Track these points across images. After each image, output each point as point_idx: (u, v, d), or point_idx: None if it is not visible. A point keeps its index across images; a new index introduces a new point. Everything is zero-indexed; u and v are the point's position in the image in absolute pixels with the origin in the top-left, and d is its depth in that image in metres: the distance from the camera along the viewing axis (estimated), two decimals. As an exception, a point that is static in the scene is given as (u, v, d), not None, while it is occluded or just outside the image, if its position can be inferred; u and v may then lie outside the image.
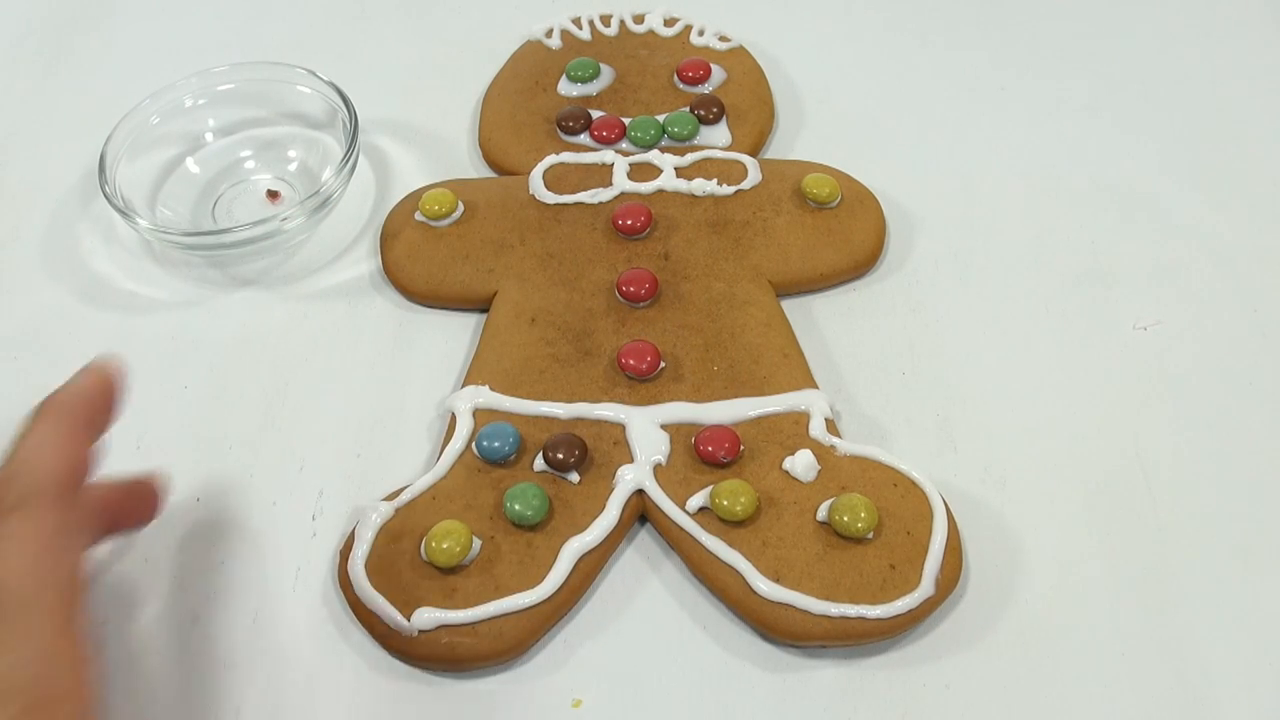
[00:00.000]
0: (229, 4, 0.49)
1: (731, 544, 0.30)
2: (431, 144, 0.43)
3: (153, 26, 0.48)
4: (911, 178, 0.41)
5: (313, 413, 0.35)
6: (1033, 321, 0.36)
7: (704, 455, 0.32)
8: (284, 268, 0.39)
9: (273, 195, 0.40)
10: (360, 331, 0.37)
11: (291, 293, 0.38)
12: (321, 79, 0.40)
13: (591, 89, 0.42)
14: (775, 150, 0.42)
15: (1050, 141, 0.42)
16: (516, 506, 0.31)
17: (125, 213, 0.37)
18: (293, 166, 0.41)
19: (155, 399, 0.35)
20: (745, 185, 0.38)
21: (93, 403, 0.27)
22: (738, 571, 0.30)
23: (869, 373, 0.35)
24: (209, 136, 0.42)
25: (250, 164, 0.41)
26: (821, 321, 0.37)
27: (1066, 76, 0.44)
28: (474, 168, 0.42)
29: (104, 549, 0.31)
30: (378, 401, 0.35)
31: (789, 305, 0.37)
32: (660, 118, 0.41)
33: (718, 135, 0.41)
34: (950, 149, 0.42)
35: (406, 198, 0.39)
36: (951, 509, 0.31)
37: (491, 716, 0.29)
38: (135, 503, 0.30)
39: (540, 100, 0.42)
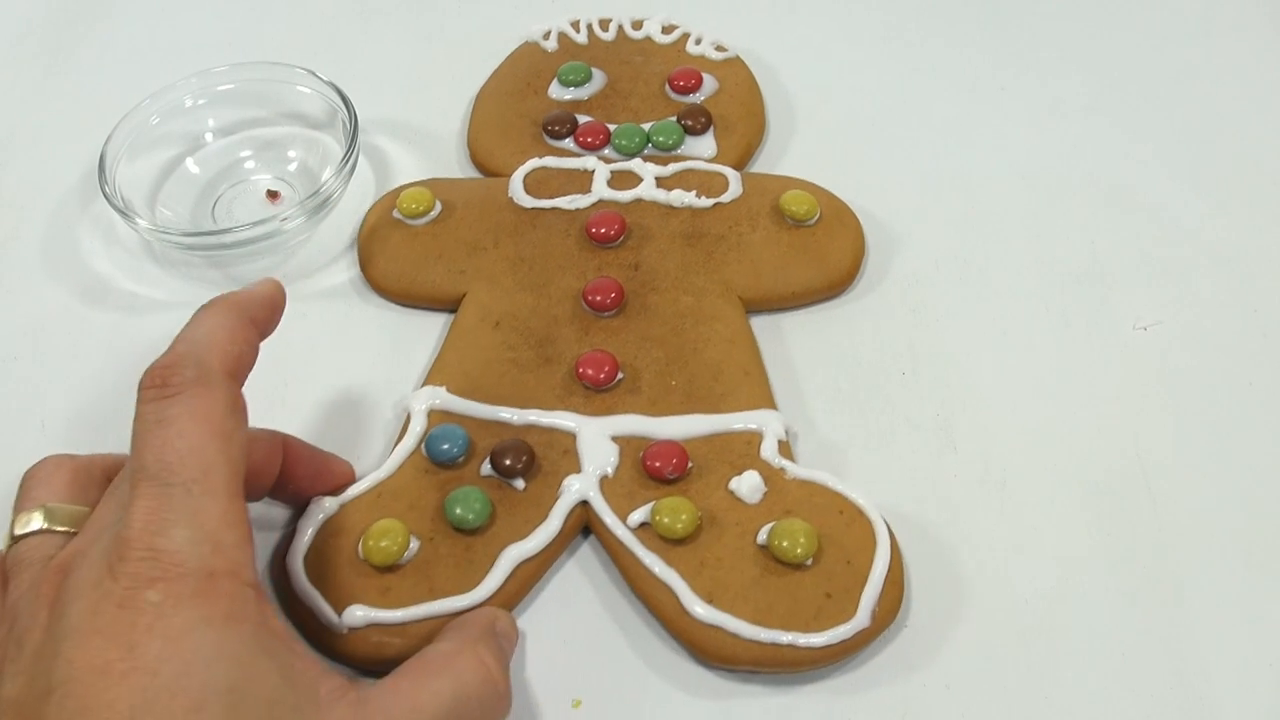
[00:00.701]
0: (229, 4, 0.49)
1: (669, 562, 0.30)
2: (430, 144, 0.43)
3: (153, 26, 0.48)
4: (906, 190, 0.40)
5: (312, 412, 0.35)
6: (1033, 321, 0.36)
7: (651, 470, 0.32)
8: (284, 268, 0.39)
9: (273, 195, 0.40)
10: (360, 331, 0.37)
11: (291, 293, 0.37)
12: (321, 79, 0.41)
13: (582, 93, 0.42)
14: (763, 162, 0.41)
15: (1050, 142, 0.42)
16: (458, 510, 0.31)
17: (125, 213, 0.38)
18: (293, 167, 0.41)
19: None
20: (724, 198, 0.38)
21: (262, 304, 0.28)
22: (672, 590, 0.29)
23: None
24: (209, 136, 0.42)
25: (250, 164, 0.42)
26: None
27: (1066, 77, 0.44)
28: (461, 168, 0.42)
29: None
30: (377, 401, 0.35)
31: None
32: (646, 126, 0.40)
33: (703, 146, 0.40)
34: (949, 156, 0.41)
35: (385, 195, 0.40)
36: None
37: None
38: (319, 471, 0.31)
39: (530, 103, 0.42)
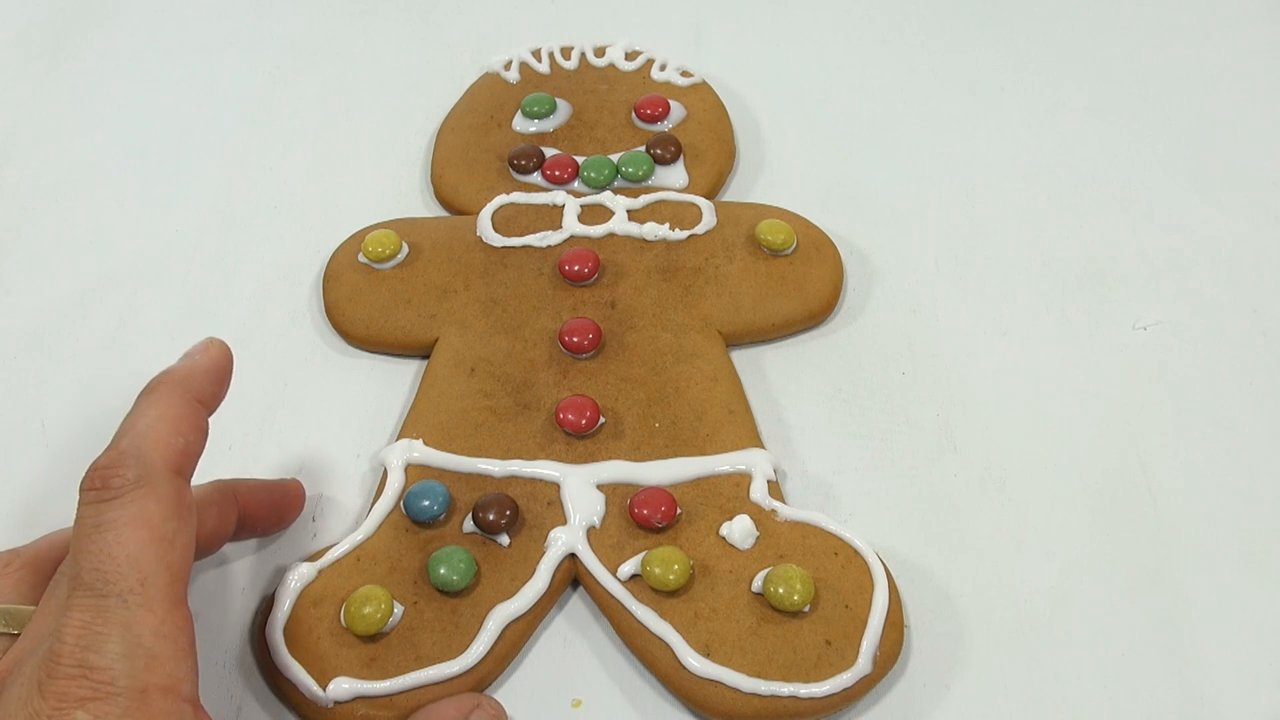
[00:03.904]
0: (229, 4, 0.48)
1: (663, 615, 0.29)
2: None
3: (153, 26, 0.48)
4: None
5: (313, 413, 0.35)
6: (1033, 321, 0.36)
7: (639, 519, 0.31)
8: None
9: None
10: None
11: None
12: None
13: (547, 125, 0.41)
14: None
15: (1050, 142, 0.42)
16: (441, 571, 0.30)
17: None
18: None
19: None
20: (699, 230, 0.37)
21: (206, 379, 0.27)
22: (667, 644, 0.29)
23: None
24: None
25: None
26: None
27: (1066, 77, 0.44)
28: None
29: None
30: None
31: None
32: (615, 157, 0.40)
33: (674, 176, 0.39)
34: (947, 157, 0.41)
35: (350, 238, 0.38)
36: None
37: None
38: (274, 504, 0.31)
39: (494, 136, 0.41)
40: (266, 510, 0.31)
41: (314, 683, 0.28)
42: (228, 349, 0.27)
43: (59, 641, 0.22)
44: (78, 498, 0.24)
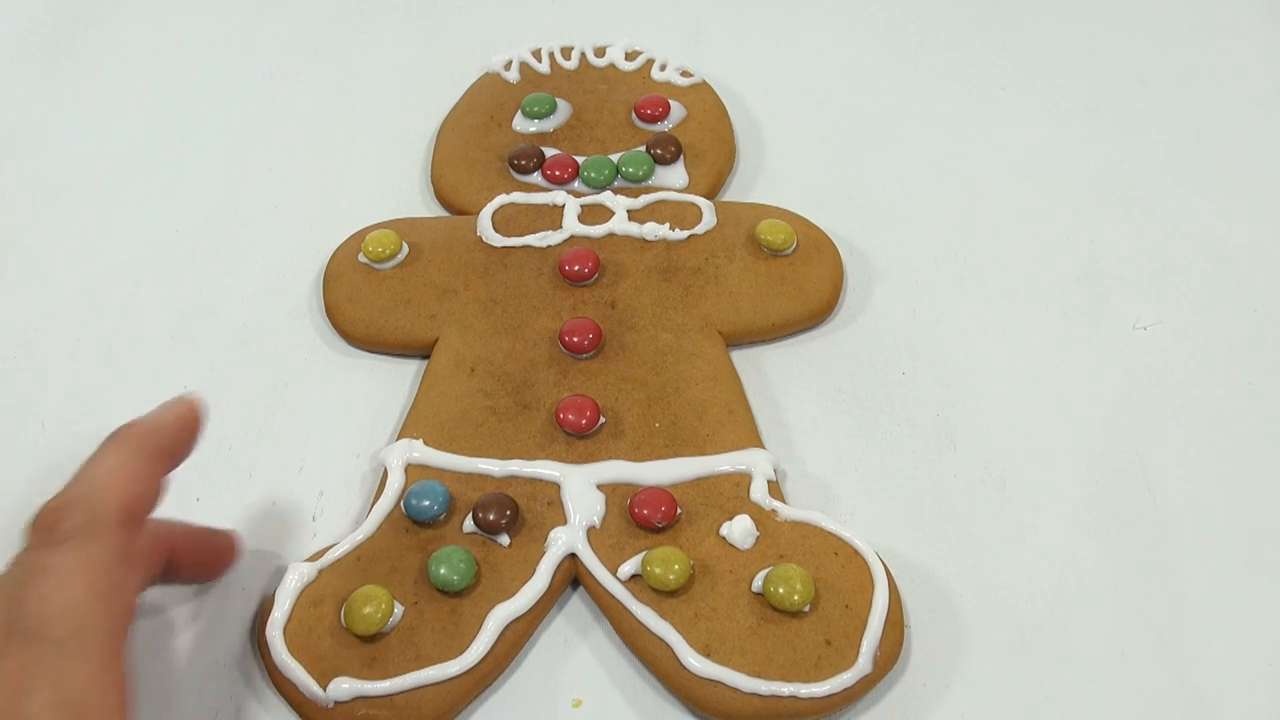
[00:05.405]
0: (229, 4, 0.48)
1: (663, 614, 0.29)
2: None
3: (153, 26, 0.48)
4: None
5: (313, 413, 0.35)
6: (1033, 321, 0.36)
7: (639, 519, 0.31)
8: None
9: None
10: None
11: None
12: None
13: (547, 125, 0.41)
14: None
15: (1050, 142, 0.42)
16: (441, 571, 0.30)
17: None
18: None
19: (155, 399, 0.35)
20: (699, 230, 0.37)
21: (170, 434, 0.26)
22: (668, 644, 0.29)
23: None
24: None
25: None
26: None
27: (1066, 77, 0.44)
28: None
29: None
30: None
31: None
32: (615, 157, 0.40)
33: (674, 176, 0.39)
34: (948, 157, 0.41)
35: (350, 238, 0.38)
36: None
37: (491, 717, 0.29)
38: (205, 553, 0.30)
39: (494, 136, 0.41)
40: (196, 559, 0.29)
41: (314, 683, 0.28)
42: (198, 407, 0.27)
43: None
44: (25, 539, 0.23)
